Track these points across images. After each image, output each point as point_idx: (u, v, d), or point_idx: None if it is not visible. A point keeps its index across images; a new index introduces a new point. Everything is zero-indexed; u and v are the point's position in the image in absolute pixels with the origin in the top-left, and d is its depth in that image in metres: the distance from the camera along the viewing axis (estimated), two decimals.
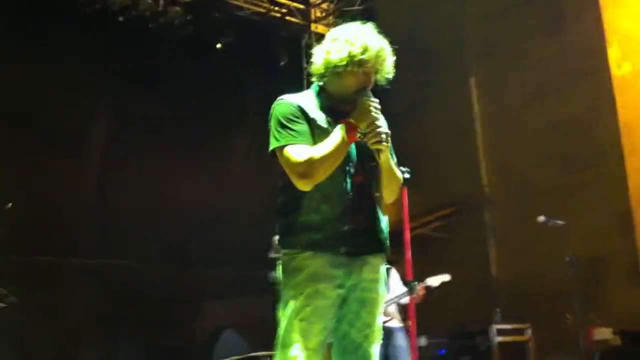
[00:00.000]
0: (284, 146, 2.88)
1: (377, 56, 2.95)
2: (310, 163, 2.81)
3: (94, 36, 8.62)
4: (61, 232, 8.09)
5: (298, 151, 2.85)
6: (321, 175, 2.83)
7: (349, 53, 2.91)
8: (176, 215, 8.89)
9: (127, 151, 9.03)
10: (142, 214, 8.66)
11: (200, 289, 8.86)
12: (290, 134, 2.89)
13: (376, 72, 3.00)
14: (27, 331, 7.09)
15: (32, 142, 8.19)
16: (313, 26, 10.84)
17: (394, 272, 6.88)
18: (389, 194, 3.10)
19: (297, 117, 2.94)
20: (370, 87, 2.97)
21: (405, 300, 6.57)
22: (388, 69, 3.03)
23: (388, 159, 2.99)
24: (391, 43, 3.05)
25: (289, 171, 2.88)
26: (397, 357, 6.55)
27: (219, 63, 9.57)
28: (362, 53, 2.91)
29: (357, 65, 2.92)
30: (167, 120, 9.26)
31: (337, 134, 2.83)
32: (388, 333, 6.48)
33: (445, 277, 6.77)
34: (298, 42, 10.75)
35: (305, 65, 10.74)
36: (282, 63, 10.06)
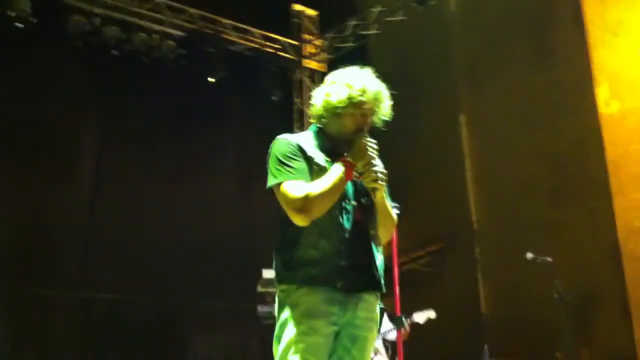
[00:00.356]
0: (281, 183, 2.92)
1: (375, 99, 3.05)
2: (307, 199, 2.84)
3: (86, 62, 8.64)
4: (45, 263, 8.01)
5: (295, 187, 2.88)
6: (318, 212, 2.87)
7: (348, 95, 3.01)
8: (163, 246, 8.82)
9: (114, 179, 9.00)
10: (127, 245, 8.59)
11: (187, 322, 8.77)
12: (288, 171, 2.94)
13: (373, 113, 3.08)
14: None
15: (16, 165, 8.14)
16: (305, 62, 10.93)
17: None
18: (383, 233, 3.12)
19: (295, 155, 2.99)
20: (367, 128, 3.05)
21: (392, 336, 6.55)
22: (385, 110, 3.12)
23: (384, 198, 3.02)
24: (383, 72, 3.14)
25: (286, 207, 2.91)
26: None
27: (211, 96, 9.60)
28: (361, 95, 3.01)
29: (355, 107, 3.00)
30: (157, 151, 9.26)
31: (335, 171, 2.88)
32: None
33: (431, 314, 6.76)
34: (290, 77, 10.84)
35: (295, 99, 10.81)
36: (274, 98, 10.09)
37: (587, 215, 8.72)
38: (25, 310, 7.56)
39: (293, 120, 10.62)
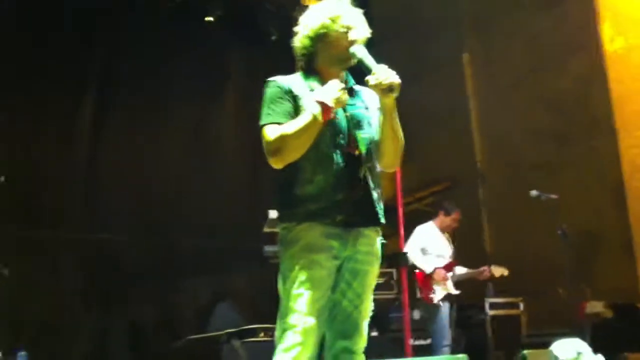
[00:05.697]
0: (264, 125, 2.94)
1: (353, 17, 3.08)
2: (280, 140, 2.85)
3: (82, 6, 8.48)
4: (46, 205, 7.98)
5: (273, 130, 2.89)
6: (292, 153, 2.87)
7: (326, 16, 3.07)
8: (162, 187, 8.79)
9: (114, 124, 8.91)
10: (127, 187, 8.57)
11: (188, 262, 8.76)
12: (270, 114, 2.95)
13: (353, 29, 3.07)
14: (12, 303, 7.02)
15: (17, 111, 8.08)
16: (304, 0, 10.72)
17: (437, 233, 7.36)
18: (391, 155, 3.08)
19: (281, 97, 2.98)
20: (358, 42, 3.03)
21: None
22: (365, 32, 3.11)
23: (393, 107, 2.97)
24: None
25: (265, 150, 2.92)
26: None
27: (208, 36, 9.45)
28: (337, 11, 3.07)
29: (336, 23, 3.04)
30: (155, 92, 9.12)
31: (309, 111, 2.85)
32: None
33: (505, 272, 7.28)
34: (289, 15, 10.64)
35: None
36: (273, 38, 9.91)
37: (591, 154, 8.73)
38: (33, 253, 7.54)
39: (293, 60, 10.45)
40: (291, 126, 2.86)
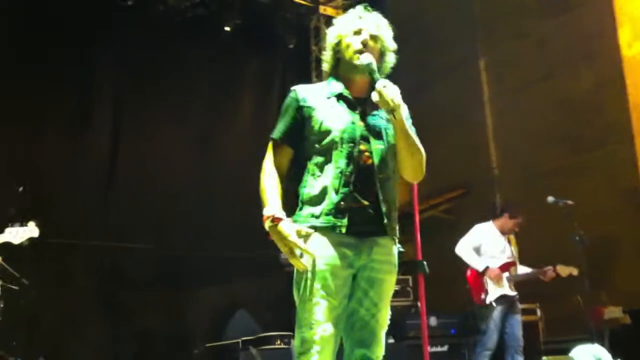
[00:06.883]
0: (269, 140, 3.11)
1: (371, 22, 3.12)
2: (260, 178, 3.06)
3: (99, 14, 8.52)
4: (59, 214, 8.00)
5: (271, 156, 3.09)
6: None
7: (344, 24, 3.15)
8: (175, 195, 8.79)
9: (130, 134, 8.93)
10: (141, 196, 8.59)
11: (200, 270, 8.74)
12: (276, 127, 3.10)
13: (376, 39, 3.10)
14: (29, 312, 7.05)
15: (35, 115, 8.12)
16: (321, 8, 10.76)
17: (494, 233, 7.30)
18: (409, 168, 3.06)
19: (287, 111, 3.09)
20: (371, 53, 3.06)
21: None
22: (389, 39, 3.15)
23: (403, 122, 2.95)
24: (395, 23, 3.14)
25: None
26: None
27: (226, 45, 9.49)
28: (355, 18, 3.13)
29: (352, 31, 3.09)
30: (172, 101, 9.16)
31: (268, 207, 2.93)
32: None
33: (574, 271, 6.97)
34: (306, 24, 10.70)
35: (312, 47, 10.70)
36: (291, 46, 9.97)
37: (607, 159, 8.68)
38: (46, 261, 7.56)
39: (311, 69, 10.52)
40: (264, 188, 3.02)
